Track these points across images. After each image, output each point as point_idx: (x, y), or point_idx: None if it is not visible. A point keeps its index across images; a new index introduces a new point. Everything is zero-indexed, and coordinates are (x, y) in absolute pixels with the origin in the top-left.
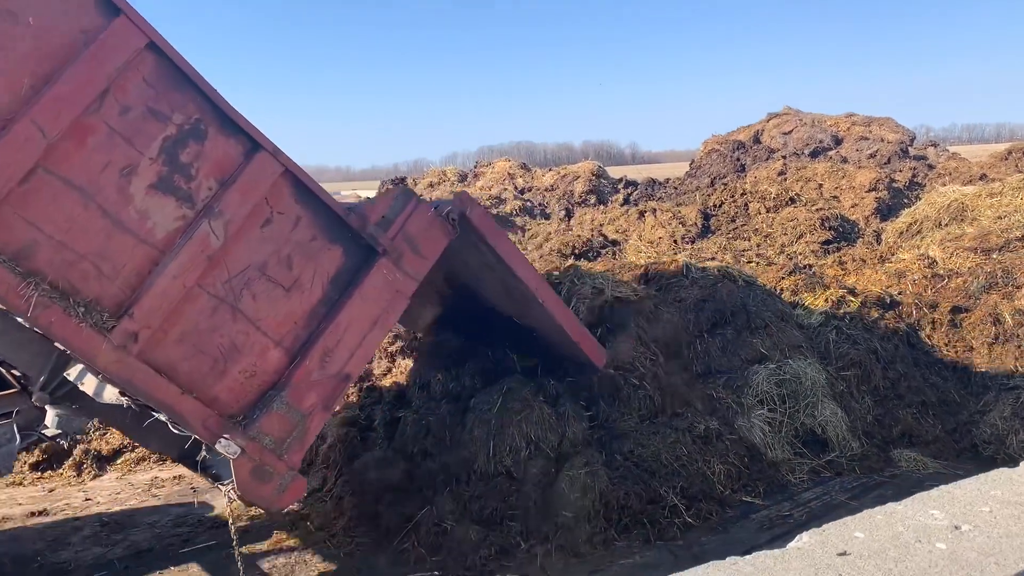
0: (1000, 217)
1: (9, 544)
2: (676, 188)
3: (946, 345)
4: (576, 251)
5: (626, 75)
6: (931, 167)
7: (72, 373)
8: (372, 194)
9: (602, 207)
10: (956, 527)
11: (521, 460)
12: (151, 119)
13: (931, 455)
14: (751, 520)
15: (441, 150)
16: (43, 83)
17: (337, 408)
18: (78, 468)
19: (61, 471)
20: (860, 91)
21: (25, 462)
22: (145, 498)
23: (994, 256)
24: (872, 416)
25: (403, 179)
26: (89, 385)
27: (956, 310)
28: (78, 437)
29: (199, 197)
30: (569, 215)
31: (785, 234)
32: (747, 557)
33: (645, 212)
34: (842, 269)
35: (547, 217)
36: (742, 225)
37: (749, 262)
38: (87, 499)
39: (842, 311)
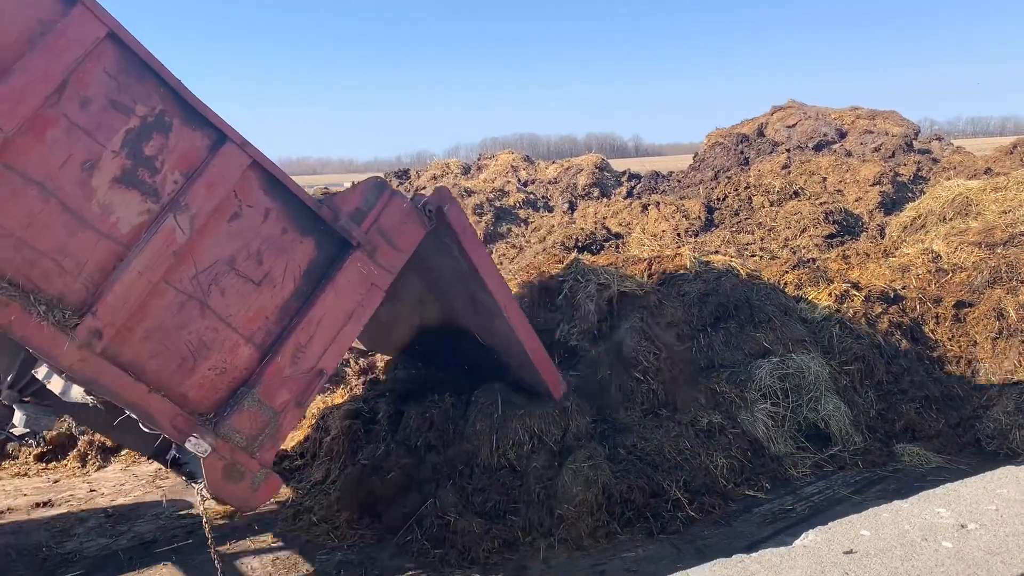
0: (1005, 211)
1: (14, 535)
2: (680, 181)
3: (950, 340)
4: (579, 244)
5: (630, 68)
6: (935, 161)
7: (41, 372)
8: None
9: (605, 200)
10: (962, 525)
11: (524, 453)
12: (113, 111)
13: (934, 450)
14: (754, 514)
15: (444, 142)
16: None
17: (328, 402)
18: (83, 459)
19: (66, 462)
20: (864, 84)
21: (30, 453)
22: (149, 489)
23: (999, 251)
24: (875, 410)
25: (406, 171)
26: (56, 384)
27: (960, 305)
28: (83, 429)
29: (164, 191)
30: (572, 208)
31: (789, 228)
32: (753, 555)
33: (648, 205)
34: (846, 263)
35: (550, 210)
36: (746, 219)
37: (753, 256)
38: (92, 490)
39: (845, 305)
